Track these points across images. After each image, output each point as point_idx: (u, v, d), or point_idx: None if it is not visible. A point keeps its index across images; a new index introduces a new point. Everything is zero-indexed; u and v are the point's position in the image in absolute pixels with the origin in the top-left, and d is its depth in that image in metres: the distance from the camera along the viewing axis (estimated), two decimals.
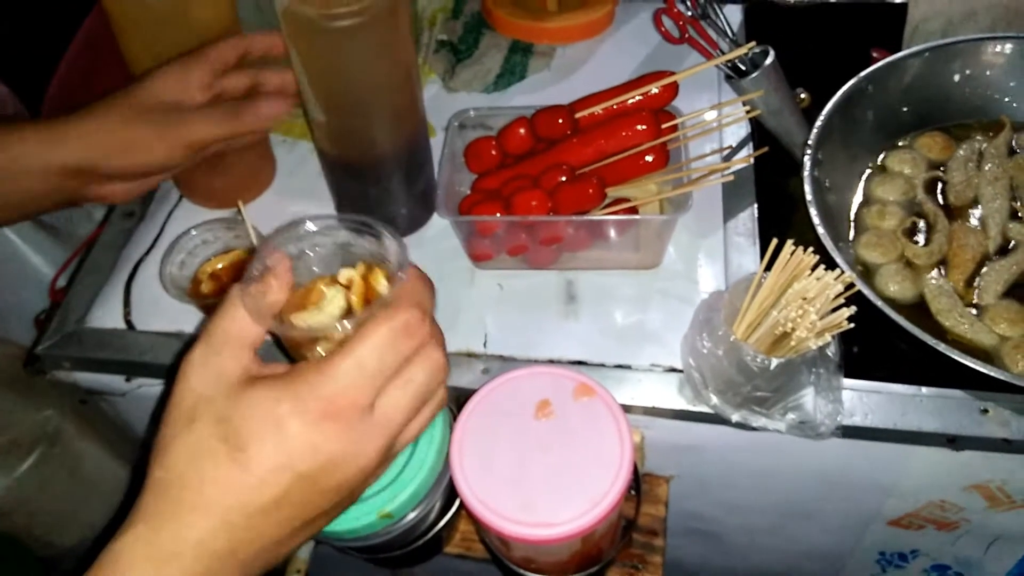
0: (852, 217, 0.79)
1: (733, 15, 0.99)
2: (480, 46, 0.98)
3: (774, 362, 0.57)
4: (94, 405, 0.80)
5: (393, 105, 0.69)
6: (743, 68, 0.79)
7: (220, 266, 0.73)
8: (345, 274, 0.48)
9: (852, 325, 0.56)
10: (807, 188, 0.71)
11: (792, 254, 0.57)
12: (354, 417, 0.41)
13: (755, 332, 0.59)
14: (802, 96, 0.87)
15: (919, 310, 0.71)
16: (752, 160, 0.79)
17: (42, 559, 0.86)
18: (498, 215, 0.70)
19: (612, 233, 0.72)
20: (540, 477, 0.55)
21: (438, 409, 0.48)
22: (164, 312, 0.75)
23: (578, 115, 0.74)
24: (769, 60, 0.77)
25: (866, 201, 0.80)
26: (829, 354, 0.62)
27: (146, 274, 0.79)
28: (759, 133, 0.83)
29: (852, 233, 0.77)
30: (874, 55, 0.87)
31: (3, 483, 0.80)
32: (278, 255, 0.47)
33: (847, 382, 0.65)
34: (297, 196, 0.84)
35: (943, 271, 0.73)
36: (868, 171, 0.82)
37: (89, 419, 0.81)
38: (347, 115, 0.68)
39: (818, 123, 0.76)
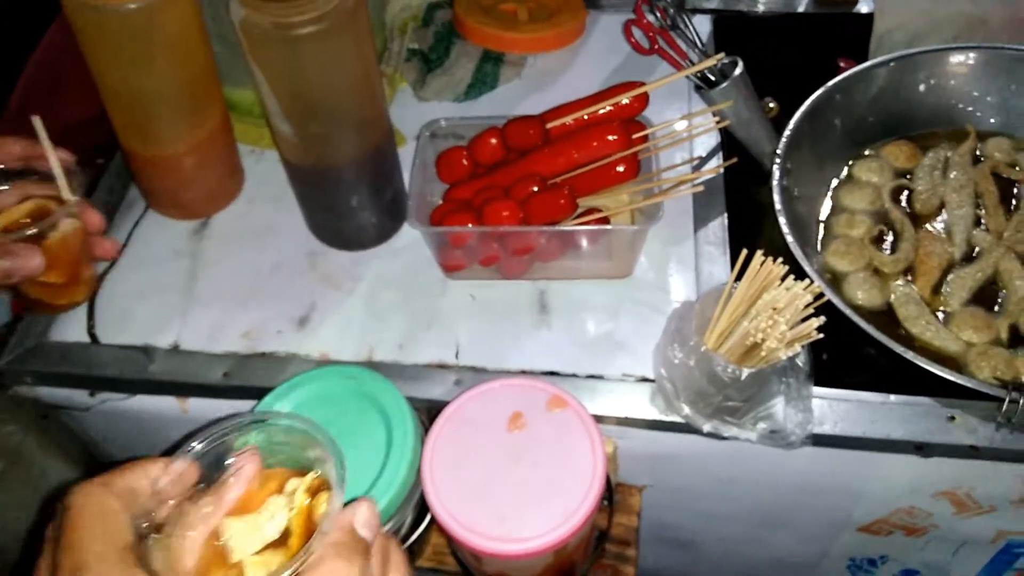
0: (820, 226, 0.79)
1: (702, 25, 0.99)
2: (451, 55, 0.97)
3: (745, 372, 0.57)
4: (57, 420, 0.78)
5: (356, 113, 0.68)
6: (712, 79, 0.79)
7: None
8: (292, 487, 0.39)
9: (821, 336, 0.56)
10: (776, 197, 0.72)
11: (762, 264, 0.58)
12: None
13: (726, 342, 0.59)
14: (770, 105, 0.88)
15: (887, 317, 0.72)
16: (722, 170, 0.79)
17: None
18: (470, 225, 0.69)
19: (584, 243, 0.72)
20: (512, 490, 0.54)
21: None
22: (130, 325, 0.74)
23: (549, 125, 0.74)
24: (738, 71, 0.77)
25: (834, 210, 0.80)
26: (799, 364, 0.63)
27: (111, 286, 0.77)
28: (729, 143, 0.83)
29: (820, 241, 0.78)
30: (841, 65, 0.88)
31: None
32: (248, 466, 0.38)
33: (817, 390, 0.66)
34: (265, 205, 0.83)
35: (910, 278, 0.74)
36: (836, 180, 0.83)
37: (52, 435, 0.79)
38: (309, 124, 0.67)
39: (786, 132, 0.77)
